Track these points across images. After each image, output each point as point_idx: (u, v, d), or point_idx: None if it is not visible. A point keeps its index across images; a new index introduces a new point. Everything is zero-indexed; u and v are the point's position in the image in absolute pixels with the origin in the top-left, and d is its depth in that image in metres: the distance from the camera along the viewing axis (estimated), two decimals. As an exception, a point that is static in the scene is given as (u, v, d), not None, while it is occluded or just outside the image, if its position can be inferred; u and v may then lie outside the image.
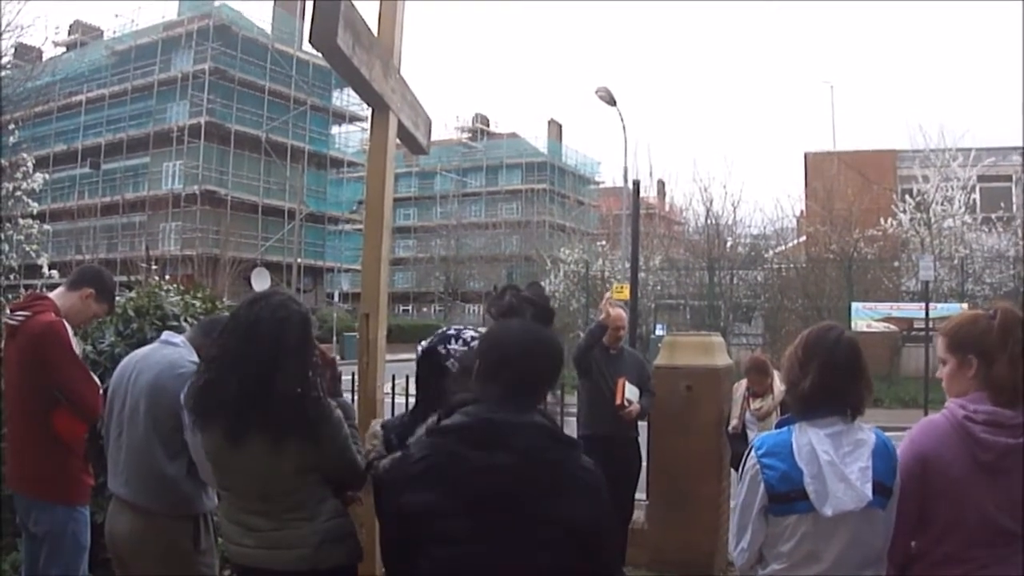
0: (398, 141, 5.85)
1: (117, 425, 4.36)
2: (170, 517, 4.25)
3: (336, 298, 55.81)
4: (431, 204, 78.54)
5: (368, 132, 5.61)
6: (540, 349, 2.95)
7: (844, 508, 3.14)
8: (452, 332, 3.67)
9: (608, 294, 8.72)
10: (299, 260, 50.18)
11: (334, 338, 45.07)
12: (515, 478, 2.68)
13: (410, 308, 75.24)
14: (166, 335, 4.56)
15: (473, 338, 3.59)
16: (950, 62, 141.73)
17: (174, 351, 4.36)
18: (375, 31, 5.23)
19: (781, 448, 3.28)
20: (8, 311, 5.11)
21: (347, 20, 4.47)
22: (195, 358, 4.28)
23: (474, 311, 68.79)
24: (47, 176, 11.86)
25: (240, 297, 33.63)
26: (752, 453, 3.36)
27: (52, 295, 5.15)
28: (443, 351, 3.58)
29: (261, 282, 42.27)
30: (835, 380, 3.30)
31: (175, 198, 52.78)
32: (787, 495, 3.22)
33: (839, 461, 3.18)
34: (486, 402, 2.82)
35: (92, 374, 5.02)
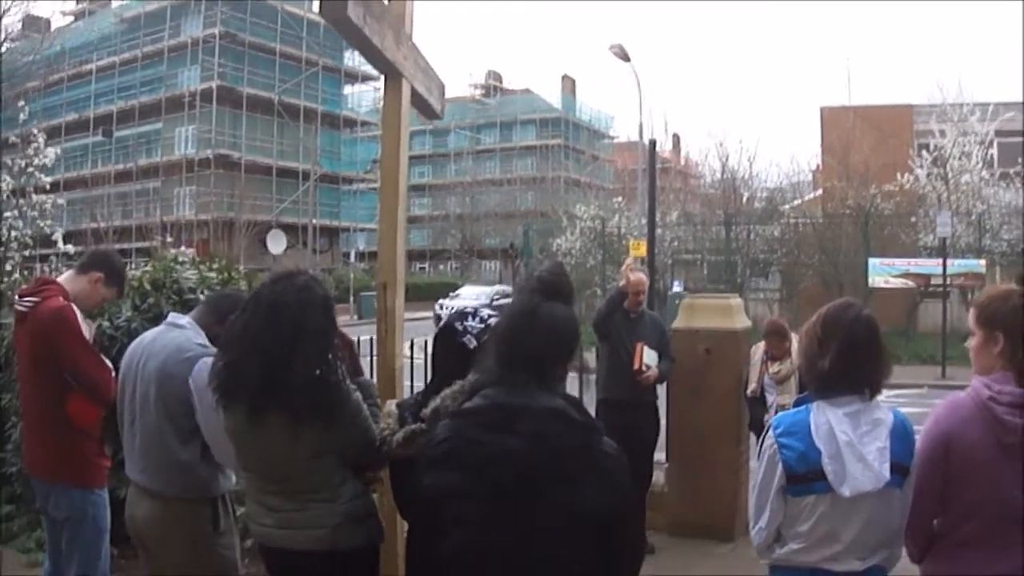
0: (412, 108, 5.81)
1: (130, 412, 4.35)
2: (188, 501, 4.24)
3: (352, 258, 55.85)
4: (445, 162, 78.43)
5: (381, 91, 5.56)
6: (545, 327, 2.93)
7: (862, 489, 3.14)
8: (469, 310, 3.66)
9: (628, 259, 8.67)
10: (314, 221, 50.18)
11: (351, 298, 45.17)
12: (527, 463, 2.68)
13: (426, 266, 75.31)
14: (172, 317, 4.51)
15: (490, 315, 3.59)
16: (967, 15, 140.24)
17: (180, 334, 4.32)
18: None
19: (799, 428, 3.26)
20: (17, 297, 5.09)
21: (357, -10, 4.42)
22: (202, 339, 4.28)
23: (491, 267, 68.86)
24: (58, 152, 11.83)
25: (257, 260, 33.86)
26: (770, 433, 3.34)
27: (61, 279, 5.13)
28: (459, 327, 3.56)
29: (277, 244, 42.35)
30: (854, 359, 3.27)
31: (189, 163, 52.93)
32: (805, 475, 3.21)
33: (857, 441, 3.17)
34: (506, 385, 2.81)
35: (103, 358, 5.00)
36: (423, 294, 48.25)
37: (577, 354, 2.99)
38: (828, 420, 3.21)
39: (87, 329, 4.95)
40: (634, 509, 2.92)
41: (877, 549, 3.25)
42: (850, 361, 3.26)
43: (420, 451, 3.21)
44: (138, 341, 4.51)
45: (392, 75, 5.40)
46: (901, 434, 3.23)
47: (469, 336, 3.52)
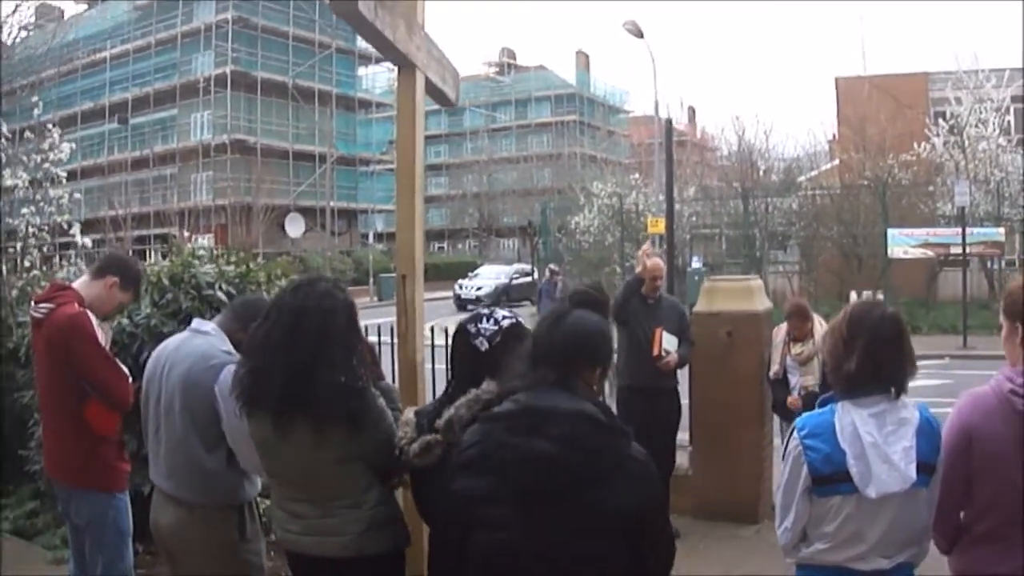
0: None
1: (154, 419, 4.35)
2: (214, 508, 4.24)
3: (371, 239, 55.93)
4: (461, 140, 78.43)
5: (395, 72, 5.52)
6: (569, 329, 2.95)
7: (888, 490, 3.13)
8: (486, 311, 3.63)
9: (645, 245, 8.63)
10: (332, 203, 50.20)
11: (370, 279, 45.31)
12: (555, 466, 2.67)
13: (445, 245, 75.45)
14: (196, 323, 4.49)
15: (505, 317, 3.56)
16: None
17: (205, 340, 4.30)
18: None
19: (823, 429, 3.25)
20: (32, 303, 5.08)
21: (368, -17, 4.40)
22: (227, 346, 4.26)
23: (509, 246, 68.90)
24: (73, 146, 11.82)
25: (276, 244, 33.94)
26: (794, 434, 3.33)
27: (76, 284, 5.09)
28: (473, 329, 3.53)
29: (295, 228, 42.44)
30: (881, 359, 3.24)
31: (205, 149, 53.06)
32: (830, 477, 3.20)
33: (882, 442, 3.15)
34: (534, 387, 2.83)
35: (119, 363, 4.98)
36: (442, 274, 48.38)
37: (609, 365, 2.98)
38: (853, 421, 3.19)
39: (102, 335, 4.93)
40: (664, 513, 2.93)
41: (904, 547, 3.25)
42: (877, 361, 3.24)
43: (437, 461, 3.26)
44: (162, 347, 4.50)
45: (405, 66, 5.38)
46: (927, 432, 3.21)
47: (482, 339, 3.49)
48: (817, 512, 3.28)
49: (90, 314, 4.88)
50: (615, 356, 7.61)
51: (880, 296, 27.24)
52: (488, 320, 3.54)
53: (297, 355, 3.48)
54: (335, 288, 3.70)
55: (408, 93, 5.43)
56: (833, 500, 3.22)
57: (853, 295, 28.52)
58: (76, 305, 4.87)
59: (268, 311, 3.69)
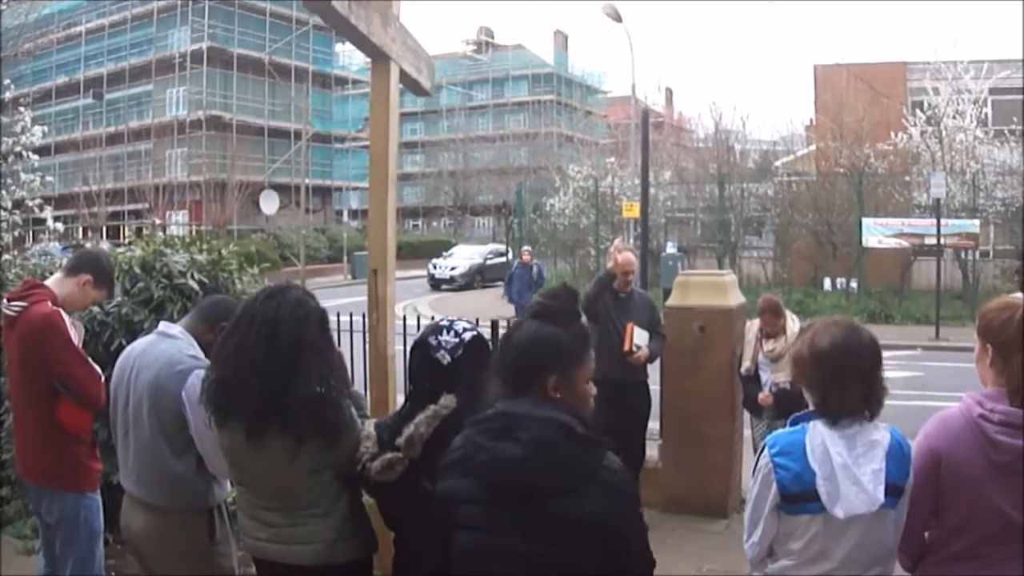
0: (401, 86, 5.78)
1: (123, 423, 4.33)
2: (183, 513, 4.24)
3: (345, 216, 55.78)
4: (437, 118, 78.31)
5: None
6: (523, 339, 2.92)
7: (856, 511, 3.13)
8: (445, 323, 3.59)
9: (617, 240, 8.63)
10: (307, 181, 50.03)
11: (344, 257, 45.32)
12: (523, 470, 2.70)
13: (420, 223, 75.43)
14: (163, 326, 4.46)
15: (465, 329, 3.53)
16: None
17: (172, 345, 4.28)
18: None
19: (794, 448, 3.24)
20: (5, 300, 5.04)
21: (341, -22, 4.38)
22: (195, 350, 4.24)
23: (484, 224, 68.98)
24: (46, 129, 11.75)
25: (250, 221, 33.86)
26: (765, 452, 3.32)
27: (49, 282, 5.05)
28: (433, 342, 3.49)
29: (270, 204, 42.28)
30: (871, 386, 3.23)
31: (180, 124, 52.91)
32: (800, 495, 3.20)
33: (852, 463, 3.14)
34: (511, 397, 2.85)
35: (92, 363, 4.93)
36: (416, 252, 48.41)
37: (567, 371, 2.96)
38: (824, 441, 3.19)
39: (75, 333, 4.90)
40: (640, 526, 2.91)
41: (869, 567, 3.25)
42: (868, 390, 3.22)
43: (399, 477, 3.27)
44: (129, 351, 4.47)
45: (380, 59, 5.38)
46: (897, 455, 3.20)
47: (443, 352, 3.45)
48: (785, 529, 3.29)
49: (63, 312, 4.85)
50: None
51: (854, 284, 27.43)
52: (448, 332, 3.50)
53: (272, 366, 3.45)
54: (306, 296, 3.67)
55: (383, 84, 5.43)
56: (801, 518, 3.22)
57: (827, 282, 28.84)
58: (49, 304, 4.83)
59: (239, 319, 3.64)
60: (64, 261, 5.75)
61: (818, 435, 3.21)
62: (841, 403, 3.20)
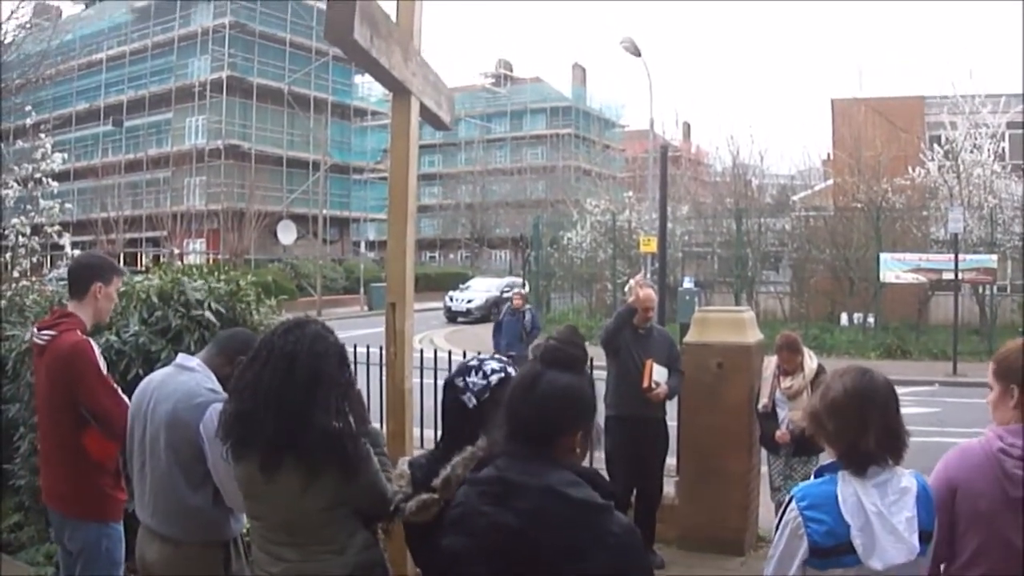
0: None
1: (140, 455, 4.33)
2: (199, 545, 4.22)
3: (363, 247, 55.83)
4: (456, 151, 78.41)
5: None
6: (543, 397, 2.81)
7: (894, 561, 3.04)
8: (474, 363, 3.54)
9: (638, 276, 8.63)
10: (324, 211, 50.14)
11: (361, 288, 45.28)
12: (520, 540, 2.64)
13: (436, 255, 75.46)
14: (181, 358, 4.45)
15: (494, 370, 3.46)
16: (979, 6, 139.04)
17: (190, 377, 4.27)
18: (393, 16, 5.10)
19: (825, 500, 3.15)
20: (35, 329, 5.05)
21: (363, 13, 4.38)
22: (212, 383, 4.24)
23: (501, 257, 68.93)
24: (65, 156, 11.81)
25: (268, 250, 33.91)
26: (793, 505, 3.21)
27: (71, 308, 5.06)
28: (460, 384, 3.44)
29: (287, 235, 42.40)
30: (895, 432, 3.17)
31: (199, 153, 53.11)
32: (832, 549, 3.10)
33: (886, 511, 3.07)
34: (511, 456, 2.77)
35: (120, 393, 4.93)
36: (433, 284, 48.42)
37: (591, 423, 2.90)
38: (856, 491, 3.11)
39: (103, 362, 4.91)
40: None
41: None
42: (892, 435, 3.17)
43: (434, 518, 3.19)
44: (146, 382, 4.47)
45: (400, 93, 5.36)
46: (924, 500, 3.15)
47: (469, 394, 3.40)
48: (814, 584, 3.21)
49: (92, 342, 4.88)
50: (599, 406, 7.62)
51: (871, 319, 27.31)
52: (477, 373, 3.44)
53: (289, 400, 3.43)
54: (325, 330, 3.66)
55: (403, 118, 5.41)
56: (833, 572, 3.13)
57: (844, 317, 28.74)
58: (79, 332, 4.87)
59: (257, 352, 3.62)
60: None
61: (849, 485, 3.13)
62: (865, 450, 3.14)
